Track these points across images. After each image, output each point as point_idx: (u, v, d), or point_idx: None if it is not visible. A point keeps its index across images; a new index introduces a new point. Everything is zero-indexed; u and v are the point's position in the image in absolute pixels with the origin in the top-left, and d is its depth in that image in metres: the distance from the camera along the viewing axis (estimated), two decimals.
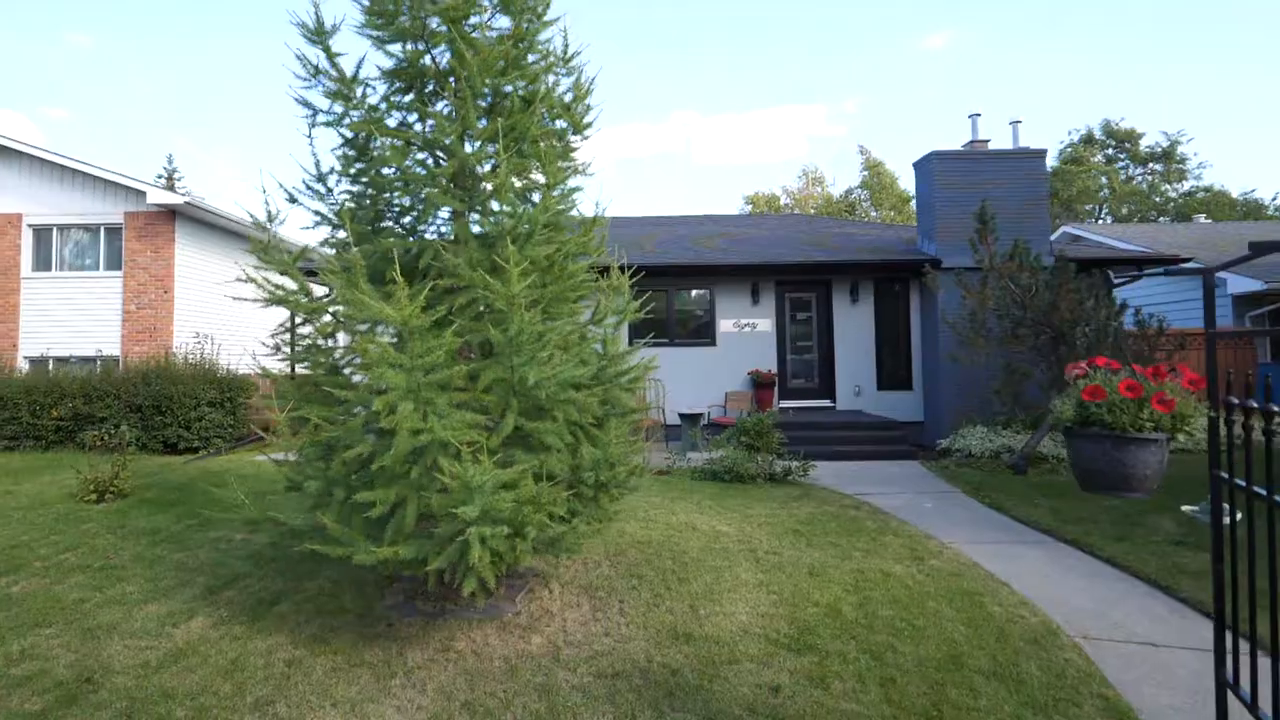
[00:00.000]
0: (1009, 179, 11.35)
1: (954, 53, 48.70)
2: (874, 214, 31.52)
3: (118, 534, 5.43)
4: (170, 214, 11.11)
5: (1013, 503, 6.87)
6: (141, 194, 10.87)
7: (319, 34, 3.93)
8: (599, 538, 5.44)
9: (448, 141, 3.84)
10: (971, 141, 12.21)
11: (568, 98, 4.47)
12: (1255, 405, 1.68)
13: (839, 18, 48.62)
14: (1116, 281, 12.86)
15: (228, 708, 2.95)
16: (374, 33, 3.83)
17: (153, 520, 5.83)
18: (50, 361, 10.99)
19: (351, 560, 3.15)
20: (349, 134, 4.07)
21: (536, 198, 4.52)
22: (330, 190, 4.15)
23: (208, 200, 12.49)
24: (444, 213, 4.28)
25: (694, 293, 12.14)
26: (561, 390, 3.46)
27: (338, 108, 3.99)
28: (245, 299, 3.63)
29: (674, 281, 11.97)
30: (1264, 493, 1.72)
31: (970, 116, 12.23)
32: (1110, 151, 39.17)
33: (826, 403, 12.10)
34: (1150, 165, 37.96)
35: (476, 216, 4.05)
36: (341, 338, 4.14)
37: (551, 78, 4.51)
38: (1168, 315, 15.24)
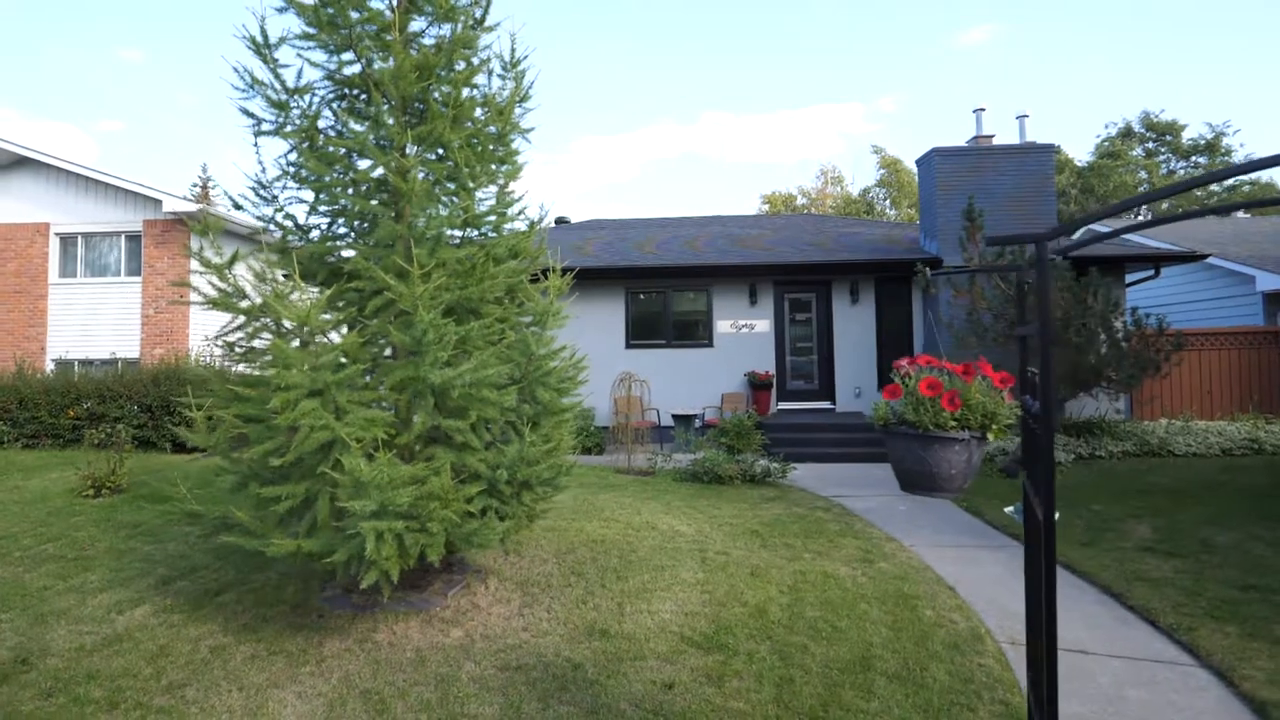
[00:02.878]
0: (1014, 175, 11.07)
1: (994, 47, 47.39)
2: (892, 213, 30.92)
3: (101, 527, 5.73)
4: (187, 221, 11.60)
5: (991, 506, 6.70)
6: (159, 202, 11.40)
7: (264, 47, 4.11)
8: (554, 535, 5.52)
9: (385, 147, 3.97)
10: (976, 137, 11.93)
11: (519, 103, 4.58)
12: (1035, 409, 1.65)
13: (876, 14, 47.83)
14: (1131, 280, 12.39)
15: (141, 689, 3.11)
16: (305, 44, 3.97)
17: (138, 515, 6.13)
18: (75, 364, 11.59)
19: (267, 552, 3.28)
20: (293, 141, 4.23)
21: (488, 202, 4.65)
22: (275, 196, 4.32)
23: (222, 208, 13.00)
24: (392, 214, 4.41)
25: (691, 294, 12.13)
26: (477, 390, 3.54)
27: (280, 117, 4.15)
28: (186, 302, 3.81)
29: (671, 282, 11.99)
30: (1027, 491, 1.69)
31: (974, 111, 11.96)
32: (1150, 145, 37.72)
33: (826, 404, 11.94)
34: (1193, 158, 36.40)
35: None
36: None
37: (498, 82, 4.62)
38: (1202, 312, 14.67)
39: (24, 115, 47.63)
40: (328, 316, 4.04)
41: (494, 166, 4.45)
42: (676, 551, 5.17)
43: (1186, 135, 36.04)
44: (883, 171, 31.15)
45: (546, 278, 4.64)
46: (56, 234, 11.76)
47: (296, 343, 3.57)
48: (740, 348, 11.88)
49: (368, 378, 4.00)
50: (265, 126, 4.18)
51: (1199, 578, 4.56)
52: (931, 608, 4.10)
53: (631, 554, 5.08)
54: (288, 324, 3.52)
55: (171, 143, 53.25)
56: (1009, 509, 1.71)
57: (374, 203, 3.92)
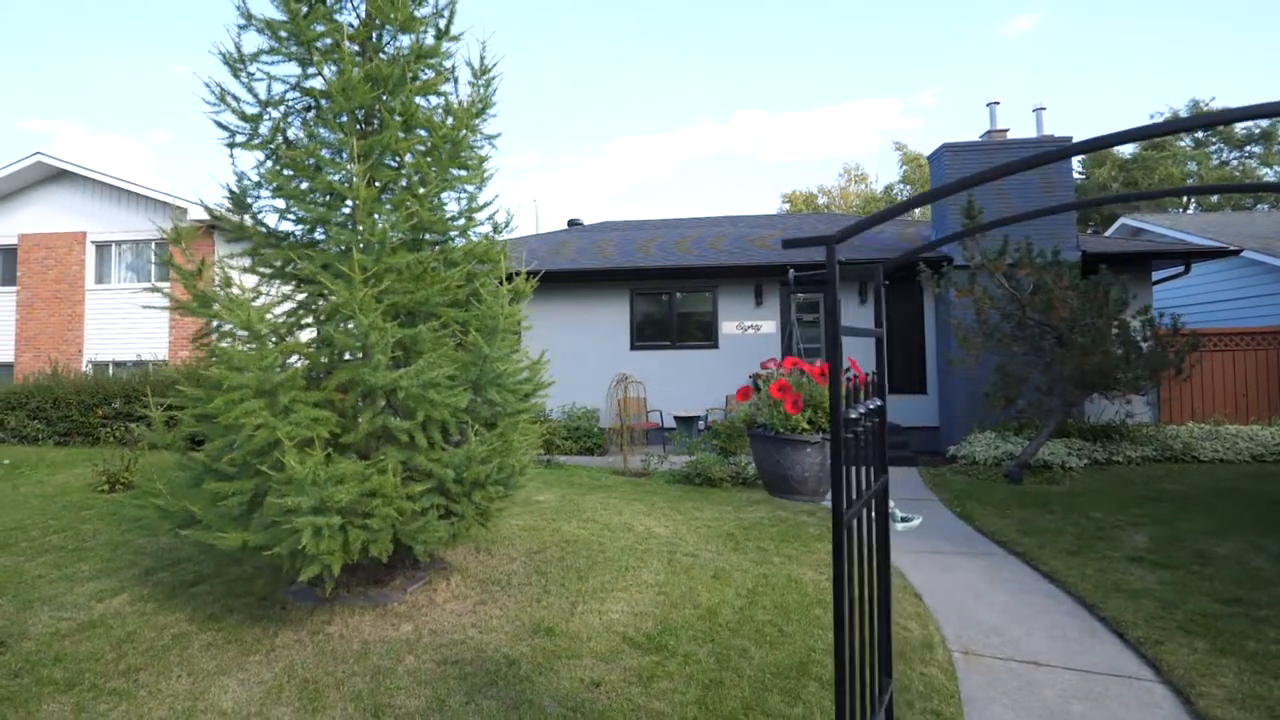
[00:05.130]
0: (1028, 170, 10.72)
1: (1038, 36, 45.78)
2: (917, 211, 30.22)
3: (106, 520, 6.04)
4: (210, 229, 12.12)
5: (985, 513, 6.52)
6: (185, 211, 11.91)
7: (238, 62, 4.29)
8: (531, 534, 5.59)
9: (342, 157, 4.11)
10: (989, 131, 11.59)
11: (482, 111, 4.68)
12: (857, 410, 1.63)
13: (915, 7, 46.74)
14: (1160, 277, 11.85)
15: (99, 672, 3.28)
16: (272, 58, 4.14)
17: (142, 510, 6.43)
18: (110, 365, 12.21)
19: (218, 545, 3.43)
20: (263, 152, 4.40)
21: (456, 206, 4.76)
22: (249, 205, 4.51)
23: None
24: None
25: (696, 295, 12.10)
26: (424, 391, 3.63)
27: (251, 129, 4.32)
28: (153, 306, 4.01)
29: (676, 283, 11.98)
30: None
31: (988, 105, 11.62)
32: (1200, 135, 35.99)
33: None
34: (1247, 148, 34.60)
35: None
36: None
37: (467, 90, 4.73)
38: (1241, 310, 13.93)
39: (87, 129, 50.43)
40: (291, 319, 4.20)
41: (458, 172, 4.55)
42: (646, 553, 5.18)
43: (1239, 124, 34.25)
44: (905, 168, 30.49)
45: (518, 280, 4.72)
46: (93, 242, 12.43)
47: (270, 344, 3.73)
48: (746, 349, 11.79)
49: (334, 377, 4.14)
50: (239, 139, 4.36)
51: (1183, 589, 4.37)
52: None
53: (600, 554, 5.12)
54: (243, 328, 3.66)
55: (215, 150, 55.47)
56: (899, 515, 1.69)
57: (334, 210, 4.05)
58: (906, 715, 2.95)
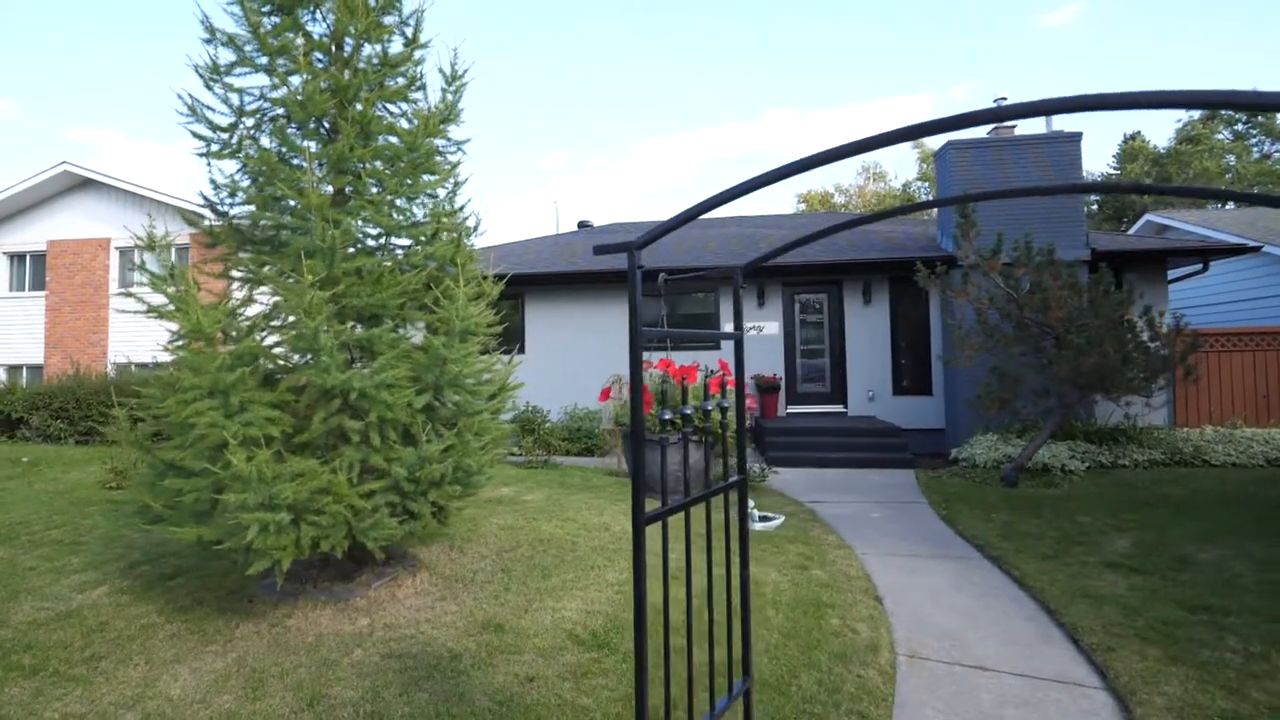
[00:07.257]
0: (1037, 167, 10.49)
1: (1080, 28, 44.58)
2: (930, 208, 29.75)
3: (107, 515, 6.31)
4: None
5: (971, 516, 6.42)
6: (202, 216, 12.33)
7: (213, 73, 4.46)
8: (508, 533, 5.68)
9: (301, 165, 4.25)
10: (996, 128, 11.36)
11: (448, 119, 4.79)
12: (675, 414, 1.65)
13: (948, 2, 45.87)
14: (1176, 275, 11.47)
15: (65, 660, 3.45)
16: (243, 69, 4.30)
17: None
18: (132, 366, 12.69)
19: (176, 538, 3.58)
20: (236, 161, 4.57)
21: (421, 213, 4.88)
22: (226, 213, 4.69)
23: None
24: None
25: (698, 295, 12.10)
26: (376, 391, 3.74)
27: (224, 138, 4.49)
28: (127, 311, 4.20)
29: (676, 285, 11.99)
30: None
31: (995, 101, 11.38)
32: (1240, 127, 34.64)
33: (839, 408, 11.66)
34: None
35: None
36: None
37: (436, 96, 4.85)
38: (1270, 308, 13.38)
39: (125, 137, 52.47)
40: (262, 322, 4.35)
41: (428, 177, 4.66)
42: (615, 552, 5.22)
43: None
44: (924, 165, 29.98)
45: (484, 283, 4.81)
46: (116, 248, 12.94)
47: (221, 346, 3.89)
48: (749, 350, 11.75)
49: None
50: (213, 148, 4.53)
51: (1152, 596, 4.25)
52: (840, 617, 4.01)
53: (570, 553, 5.18)
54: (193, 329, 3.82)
55: None
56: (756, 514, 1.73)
57: (299, 217, 4.19)
58: (830, 715, 2.95)
